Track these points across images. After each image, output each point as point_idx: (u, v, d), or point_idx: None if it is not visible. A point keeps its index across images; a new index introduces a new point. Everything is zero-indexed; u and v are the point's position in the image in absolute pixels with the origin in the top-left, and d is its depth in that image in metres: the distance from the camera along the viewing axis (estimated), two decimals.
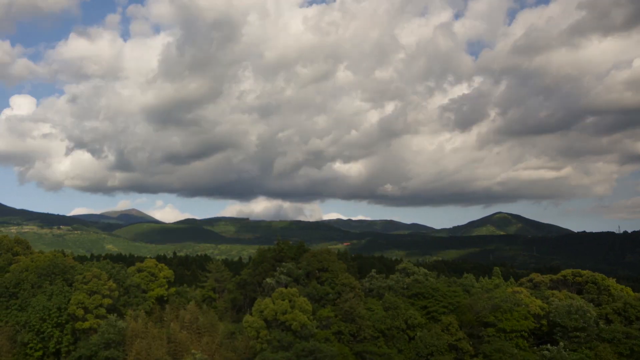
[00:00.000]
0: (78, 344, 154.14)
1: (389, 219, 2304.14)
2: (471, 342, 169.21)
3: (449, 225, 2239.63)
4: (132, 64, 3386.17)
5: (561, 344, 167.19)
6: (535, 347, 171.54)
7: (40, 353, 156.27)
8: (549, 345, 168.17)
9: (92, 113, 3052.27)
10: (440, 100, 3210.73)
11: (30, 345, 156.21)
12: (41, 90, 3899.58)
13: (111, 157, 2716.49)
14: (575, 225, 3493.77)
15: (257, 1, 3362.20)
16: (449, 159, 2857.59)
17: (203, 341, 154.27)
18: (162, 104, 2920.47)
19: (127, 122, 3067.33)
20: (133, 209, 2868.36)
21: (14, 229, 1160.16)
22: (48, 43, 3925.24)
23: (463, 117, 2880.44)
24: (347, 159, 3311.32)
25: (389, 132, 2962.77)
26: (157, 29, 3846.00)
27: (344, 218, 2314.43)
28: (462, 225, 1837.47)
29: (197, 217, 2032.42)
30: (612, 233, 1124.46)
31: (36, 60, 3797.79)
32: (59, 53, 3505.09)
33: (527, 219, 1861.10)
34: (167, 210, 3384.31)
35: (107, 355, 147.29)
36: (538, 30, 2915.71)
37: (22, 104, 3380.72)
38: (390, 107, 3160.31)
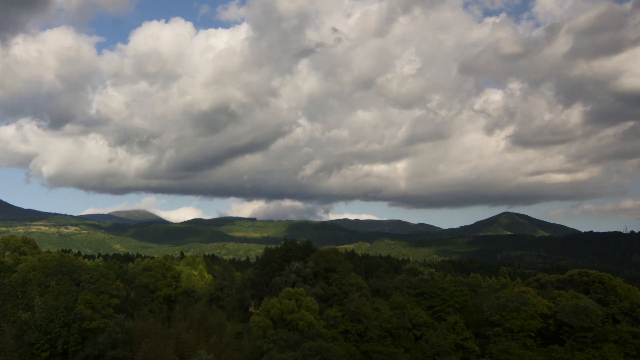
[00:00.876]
0: (85, 343, 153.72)
1: (396, 218, 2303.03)
2: (478, 342, 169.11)
3: (456, 225, 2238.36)
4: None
5: (568, 343, 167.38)
6: (542, 347, 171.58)
7: (47, 353, 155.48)
8: (555, 345, 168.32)
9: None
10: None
11: (37, 345, 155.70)
12: None
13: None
14: (582, 225, 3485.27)
15: None
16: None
17: (211, 341, 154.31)
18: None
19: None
20: (141, 209, 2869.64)
21: (21, 229, 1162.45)
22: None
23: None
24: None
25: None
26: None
27: (352, 218, 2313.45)
28: (470, 225, 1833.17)
29: (205, 217, 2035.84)
30: (619, 233, 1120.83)
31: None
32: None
33: (534, 219, 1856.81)
34: (179, 210, 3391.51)
35: (115, 355, 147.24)
36: None
37: None
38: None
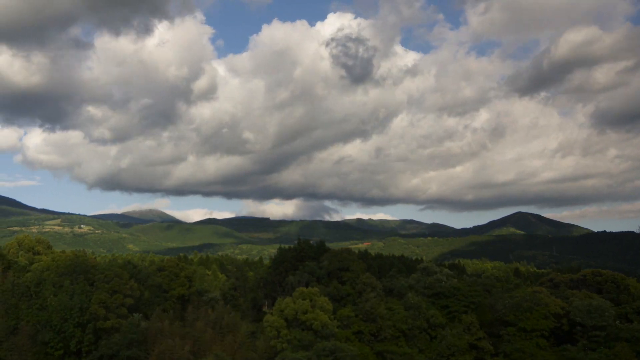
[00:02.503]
0: (99, 343, 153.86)
1: (409, 218, 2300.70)
2: (492, 342, 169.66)
3: (468, 224, 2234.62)
4: None
5: (580, 343, 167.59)
6: (555, 347, 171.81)
7: (60, 352, 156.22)
8: (568, 345, 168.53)
9: None
10: None
11: (51, 344, 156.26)
12: None
13: None
14: (595, 225, 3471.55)
15: None
16: None
17: (225, 340, 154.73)
18: None
19: None
20: (154, 209, 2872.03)
21: (34, 229, 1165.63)
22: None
23: None
24: None
25: None
26: None
27: (365, 218, 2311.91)
28: (482, 225, 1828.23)
29: (218, 217, 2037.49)
30: (632, 233, 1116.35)
31: None
32: None
33: (547, 219, 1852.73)
34: (192, 210, 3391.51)
35: (129, 354, 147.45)
36: None
37: None
38: None
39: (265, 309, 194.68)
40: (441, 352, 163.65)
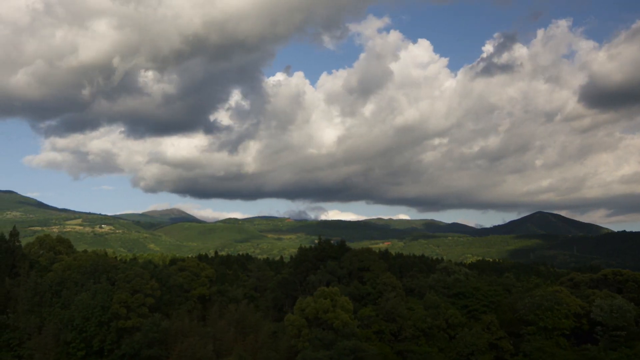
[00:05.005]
0: (121, 342, 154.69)
1: (429, 218, 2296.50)
2: (512, 341, 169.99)
3: (488, 224, 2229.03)
4: None
5: (601, 343, 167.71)
6: (576, 346, 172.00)
7: (83, 352, 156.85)
8: (589, 344, 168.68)
9: None
10: None
11: (73, 344, 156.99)
12: None
13: None
14: (615, 224, 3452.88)
15: None
16: None
17: (247, 340, 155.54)
18: None
19: None
20: (175, 208, 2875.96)
21: (55, 229, 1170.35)
22: None
23: None
24: None
25: None
26: None
27: (385, 217, 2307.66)
28: (503, 225, 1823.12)
29: (238, 216, 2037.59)
30: None
31: None
32: None
33: (567, 219, 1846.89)
34: (208, 210, 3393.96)
35: (151, 354, 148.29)
36: None
37: None
38: None
39: (286, 308, 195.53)
40: (460, 351, 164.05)
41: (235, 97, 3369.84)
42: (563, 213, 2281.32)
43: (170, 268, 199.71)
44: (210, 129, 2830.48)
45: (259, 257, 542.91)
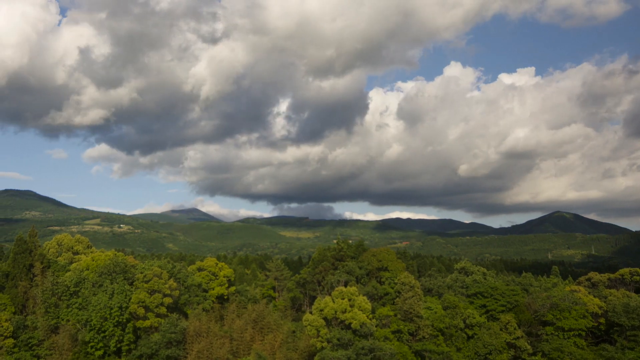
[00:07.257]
0: (139, 342, 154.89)
1: (448, 218, 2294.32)
2: (529, 341, 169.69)
3: (507, 224, 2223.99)
4: None
5: (619, 342, 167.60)
6: (593, 346, 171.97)
7: (101, 352, 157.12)
8: (606, 344, 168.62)
9: None
10: None
11: (91, 343, 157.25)
12: None
13: None
14: (633, 224, 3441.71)
15: None
16: None
17: (266, 339, 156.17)
18: None
19: None
20: (194, 208, 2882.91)
21: (74, 228, 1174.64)
22: None
23: None
24: None
25: None
26: None
27: (403, 217, 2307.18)
28: (521, 225, 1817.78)
29: (257, 216, 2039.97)
30: None
31: None
32: None
33: (586, 218, 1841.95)
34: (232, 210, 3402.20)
35: (169, 354, 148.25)
36: None
37: None
38: None
39: (304, 308, 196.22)
40: (478, 351, 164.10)
41: None
42: (582, 213, 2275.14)
43: (189, 268, 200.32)
44: None
45: (278, 256, 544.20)
